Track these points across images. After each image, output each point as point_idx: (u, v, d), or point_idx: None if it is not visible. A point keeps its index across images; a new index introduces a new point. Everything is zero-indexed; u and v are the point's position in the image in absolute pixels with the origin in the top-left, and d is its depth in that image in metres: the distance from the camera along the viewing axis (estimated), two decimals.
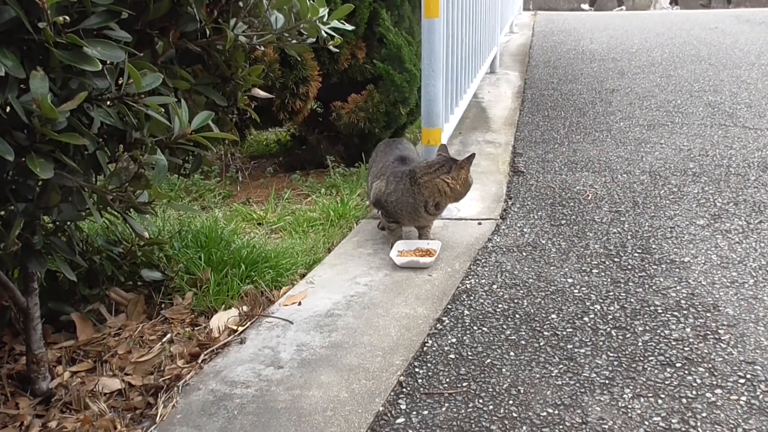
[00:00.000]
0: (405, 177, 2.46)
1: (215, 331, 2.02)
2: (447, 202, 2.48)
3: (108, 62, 1.40)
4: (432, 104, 2.90)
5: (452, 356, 1.85)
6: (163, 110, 1.50)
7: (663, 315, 2.04)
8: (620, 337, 1.92)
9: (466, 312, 2.10)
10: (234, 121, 2.21)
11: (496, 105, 5.10)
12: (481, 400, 1.66)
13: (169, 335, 2.01)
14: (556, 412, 1.61)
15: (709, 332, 1.93)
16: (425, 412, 1.62)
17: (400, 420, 1.60)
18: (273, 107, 3.53)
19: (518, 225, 2.81)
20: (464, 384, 1.73)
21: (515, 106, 5.04)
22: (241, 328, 2.03)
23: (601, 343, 1.89)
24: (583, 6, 14.01)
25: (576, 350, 1.86)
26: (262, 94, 2.14)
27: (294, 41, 1.90)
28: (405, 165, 2.56)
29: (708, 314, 2.03)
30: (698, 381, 1.71)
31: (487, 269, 2.40)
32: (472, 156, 2.44)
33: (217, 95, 1.89)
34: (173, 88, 1.70)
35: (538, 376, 1.75)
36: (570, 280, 2.28)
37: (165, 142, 1.58)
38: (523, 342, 1.91)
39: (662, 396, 1.66)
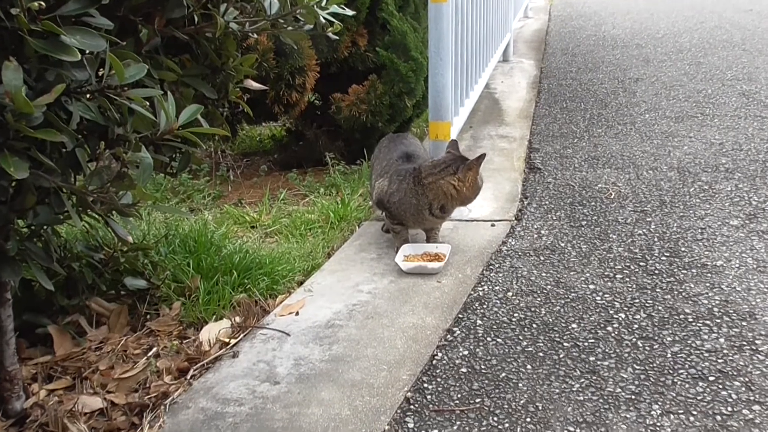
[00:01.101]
0: (408, 176, 2.45)
1: (205, 344, 2.02)
2: (454, 205, 2.46)
3: (88, 52, 1.40)
4: (440, 95, 2.90)
5: (464, 370, 1.85)
6: (147, 104, 1.50)
7: (694, 324, 2.03)
8: (647, 348, 1.92)
9: (479, 322, 2.09)
10: (225, 115, 2.21)
11: (509, 96, 5.09)
12: (495, 418, 1.66)
13: (155, 349, 2.01)
14: (578, 430, 1.61)
15: (745, 343, 1.93)
16: (435, 431, 1.62)
17: None
18: (267, 100, 3.54)
19: (535, 227, 2.80)
20: (477, 400, 1.73)
21: (531, 98, 5.03)
22: (233, 341, 2.03)
23: (626, 354, 1.89)
24: None
25: (599, 363, 1.86)
26: (255, 85, 2.14)
27: (290, 28, 1.90)
28: (410, 162, 2.56)
29: (743, 323, 2.02)
30: (734, 396, 1.71)
31: (501, 275, 2.39)
32: (483, 156, 2.42)
33: (206, 87, 1.89)
34: (159, 80, 1.70)
35: (557, 391, 1.75)
36: (592, 287, 2.28)
37: (150, 138, 1.58)
38: (541, 354, 1.91)
39: (694, 413, 1.65)
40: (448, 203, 2.44)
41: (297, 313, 2.17)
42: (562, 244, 2.62)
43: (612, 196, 3.10)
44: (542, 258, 2.51)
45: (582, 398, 1.72)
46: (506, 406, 1.70)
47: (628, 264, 2.43)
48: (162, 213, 3.02)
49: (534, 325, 2.06)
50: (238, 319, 2.15)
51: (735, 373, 1.79)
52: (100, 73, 1.45)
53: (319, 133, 4.15)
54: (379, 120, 3.86)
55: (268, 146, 4.91)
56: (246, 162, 4.52)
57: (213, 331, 2.08)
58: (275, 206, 3.29)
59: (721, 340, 1.94)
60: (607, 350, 1.91)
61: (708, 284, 2.26)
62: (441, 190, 2.40)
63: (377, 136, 3.71)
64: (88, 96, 1.46)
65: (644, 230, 2.71)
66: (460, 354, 1.93)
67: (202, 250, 2.46)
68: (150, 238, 2.60)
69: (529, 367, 1.85)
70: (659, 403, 1.69)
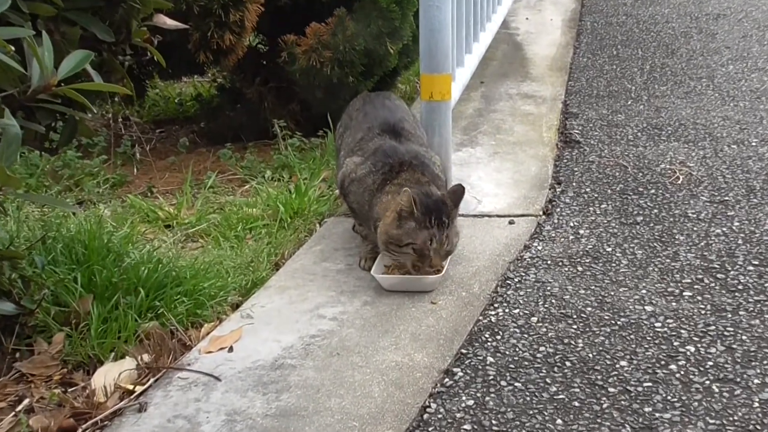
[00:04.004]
0: (385, 167, 2.52)
1: (100, 392, 2.02)
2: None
3: None
4: (436, 37, 2.91)
5: (468, 427, 1.87)
6: (13, 49, 1.51)
7: None
8: (725, 394, 1.94)
9: (490, 359, 2.12)
10: (127, 65, 2.21)
11: (537, 39, 5.11)
12: None
13: (27, 400, 2.00)
14: None
15: None
16: None
17: None
18: (189, 44, 3.53)
19: (571, 224, 2.83)
20: None
21: (567, 41, 5.06)
22: (140, 388, 2.03)
23: (696, 403, 1.92)
24: None
25: (658, 415, 1.88)
26: (169, 23, 2.15)
27: None
28: (397, 139, 2.61)
29: None
30: None
31: (522, 293, 2.42)
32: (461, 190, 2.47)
33: (99, 26, 1.89)
34: (30, 15, 1.71)
35: None
36: (649, 308, 2.31)
37: (18, 98, 1.59)
38: (576, 403, 1.93)
39: None
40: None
41: (231, 349, 2.18)
42: (609, 249, 2.65)
43: (680, 181, 3.13)
44: (580, 268, 2.54)
45: None
46: None
47: (700, 276, 2.47)
48: (38, 206, 3.00)
49: (567, 363, 2.08)
50: (146, 357, 2.15)
51: None
52: None
53: (264, 91, 4.15)
54: (350, 73, 3.85)
55: (191, 111, 4.89)
56: (160, 134, 4.51)
57: (111, 374, 2.08)
58: (201, 196, 3.29)
59: None
60: (669, 397, 1.94)
61: None
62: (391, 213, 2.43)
63: (347, 95, 3.71)
64: None
65: (724, 229, 2.75)
66: (463, 404, 1.94)
67: (95, 259, 2.46)
68: (20, 242, 2.59)
69: (559, 422, 1.88)
70: None
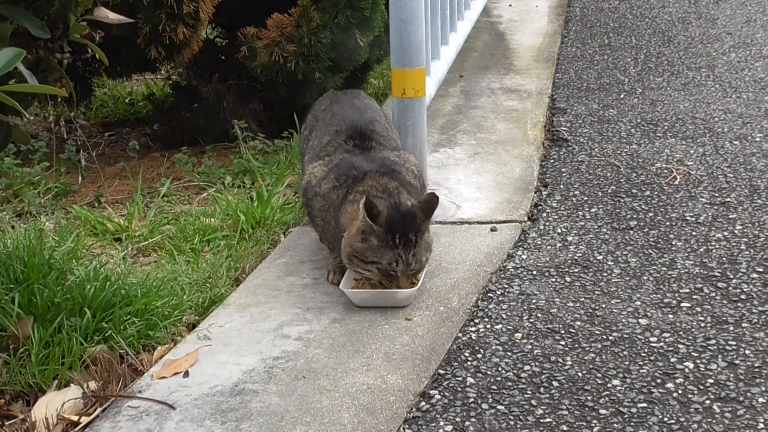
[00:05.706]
0: (349, 180, 2.52)
1: (41, 425, 2.01)
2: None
3: None
4: (408, 28, 2.91)
5: None
6: None
7: None
8: (727, 414, 1.95)
9: (471, 380, 2.11)
10: (66, 64, 2.20)
11: (522, 27, 5.12)
12: None
13: None
14: None
15: None
16: None
17: None
18: (138, 39, 3.52)
19: (558, 230, 2.84)
20: None
21: (554, 30, 5.07)
22: (86, 419, 2.02)
23: (695, 425, 1.92)
24: None
25: None
26: (112, 17, 2.14)
27: None
28: (368, 146, 2.62)
29: None
30: None
31: (505, 307, 2.42)
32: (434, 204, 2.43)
33: (32, 20, 1.88)
34: None
35: None
36: (643, 321, 2.32)
37: None
38: (564, 427, 1.93)
39: None
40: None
41: (186, 374, 2.17)
42: (600, 257, 2.66)
43: (677, 181, 3.14)
44: (568, 279, 2.55)
45: None
46: None
47: (699, 285, 2.47)
48: None
49: (555, 384, 2.09)
50: (93, 384, 2.14)
51: None
52: None
53: (223, 89, 4.14)
54: (317, 68, 3.85)
55: (143, 111, 4.87)
56: (108, 137, 4.49)
57: (53, 404, 2.06)
58: (153, 206, 3.28)
59: None
60: (666, 419, 1.94)
61: None
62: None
63: (314, 93, 3.72)
64: None
65: (725, 233, 2.76)
66: (441, 430, 1.93)
67: (35, 277, 2.44)
68: None
69: None
70: None
